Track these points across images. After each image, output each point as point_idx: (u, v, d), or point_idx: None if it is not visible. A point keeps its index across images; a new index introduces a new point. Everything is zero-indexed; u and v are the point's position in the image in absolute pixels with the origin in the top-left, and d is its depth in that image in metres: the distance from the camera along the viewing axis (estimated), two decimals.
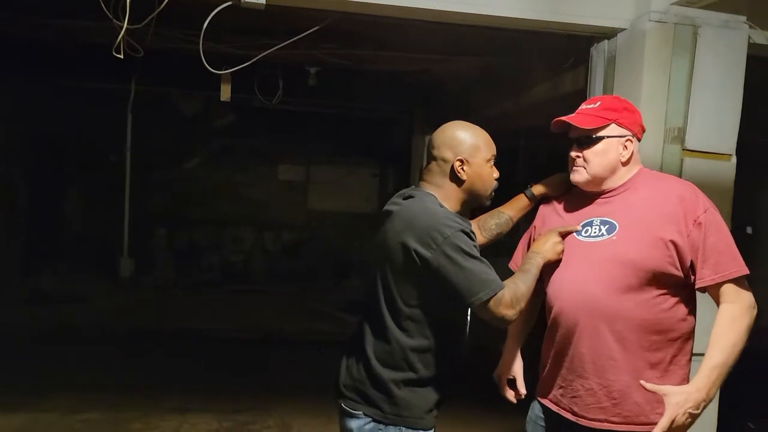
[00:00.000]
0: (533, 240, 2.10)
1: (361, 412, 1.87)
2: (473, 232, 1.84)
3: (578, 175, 1.98)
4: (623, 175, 1.97)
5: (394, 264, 1.82)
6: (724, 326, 1.82)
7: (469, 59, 5.50)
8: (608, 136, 1.93)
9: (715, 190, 2.93)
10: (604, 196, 1.99)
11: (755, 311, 1.86)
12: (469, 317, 1.97)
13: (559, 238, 1.97)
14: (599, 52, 3.22)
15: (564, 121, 1.97)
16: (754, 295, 1.86)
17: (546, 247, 1.95)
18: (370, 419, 1.86)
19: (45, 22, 4.94)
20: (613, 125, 1.94)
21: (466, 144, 1.89)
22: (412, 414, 1.84)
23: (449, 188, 1.90)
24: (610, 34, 3.12)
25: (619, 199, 1.96)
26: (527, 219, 2.26)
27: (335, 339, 5.64)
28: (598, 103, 1.98)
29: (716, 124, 2.95)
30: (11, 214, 7.92)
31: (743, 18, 2.95)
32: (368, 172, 10.09)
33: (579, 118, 1.95)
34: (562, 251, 1.96)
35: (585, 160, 1.95)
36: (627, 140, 1.95)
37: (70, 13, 4.68)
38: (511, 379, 2.19)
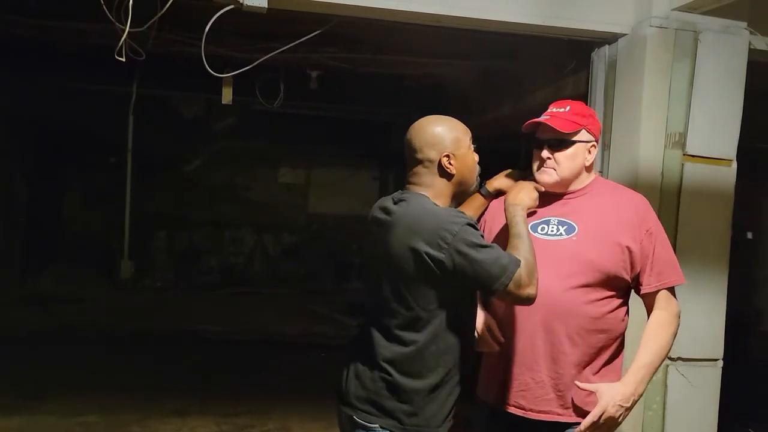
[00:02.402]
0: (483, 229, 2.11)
1: (377, 425, 1.82)
2: (476, 223, 1.84)
3: (547, 176, 2.03)
4: (584, 179, 2.06)
5: (405, 271, 1.78)
6: (654, 330, 1.98)
7: (470, 63, 5.50)
8: (579, 141, 2.01)
9: (715, 195, 2.95)
10: (562, 197, 2.05)
11: (680, 320, 2.03)
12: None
13: (532, 186, 2.01)
14: (600, 57, 3.22)
15: (532, 122, 2.03)
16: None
17: (521, 195, 1.97)
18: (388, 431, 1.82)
19: (46, 23, 4.95)
20: (583, 131, 2.02)
21: (448, 138, 1.88)
22: (429, 424, 1.82)
23: (440, 185, 1.89)
24: (611, 39, 3.13)
25: (578, 202, 2.04)
26: None
27: (335, 342, 5.70)
28: (568, 107, 2.04)
29: (717, 129, 2.95)
30: (11, 215, 7.92)
31: (744, 24, 2.95)
32: (368, 175, 10.09)
33: (555, 121, 2.00)
34: (537, 198, 2.01)
35: (556, 161, 2.01)
36: (592, 146, 2.04)
37: (72, 15, 4.69)
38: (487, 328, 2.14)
